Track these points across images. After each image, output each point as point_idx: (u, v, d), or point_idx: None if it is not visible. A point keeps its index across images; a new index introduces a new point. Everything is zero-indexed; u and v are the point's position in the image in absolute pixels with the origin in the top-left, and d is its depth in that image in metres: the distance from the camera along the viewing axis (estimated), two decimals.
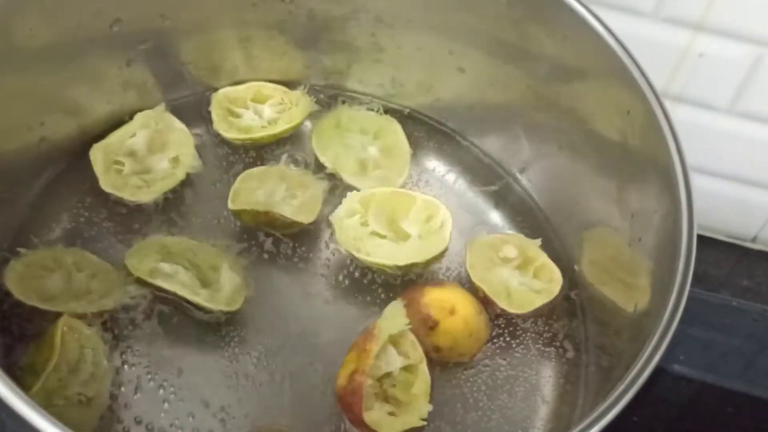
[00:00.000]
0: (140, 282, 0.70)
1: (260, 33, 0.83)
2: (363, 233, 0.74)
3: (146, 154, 0.77)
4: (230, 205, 0.74)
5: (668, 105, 0.67)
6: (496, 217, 0.82)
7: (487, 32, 0.77)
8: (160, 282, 0.69)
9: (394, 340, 0.68)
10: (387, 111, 0.85)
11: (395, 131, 0.83)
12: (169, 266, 0.71)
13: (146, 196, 0.75)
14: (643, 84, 0.67)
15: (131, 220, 0.76)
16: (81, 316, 0.66)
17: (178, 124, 0.79)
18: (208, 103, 0.83)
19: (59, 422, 0.47)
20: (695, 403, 0.83)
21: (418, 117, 0.87)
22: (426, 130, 0.87)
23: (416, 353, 0.68)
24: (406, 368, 0.67)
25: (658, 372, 0.56)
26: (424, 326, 0.70)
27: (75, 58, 0.74)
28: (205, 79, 0.84)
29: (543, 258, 0.77)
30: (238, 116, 0.82)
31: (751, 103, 0.83)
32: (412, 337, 0.68)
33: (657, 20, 0.79)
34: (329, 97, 0.86)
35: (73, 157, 0.78)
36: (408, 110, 0.87)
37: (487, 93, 0.82)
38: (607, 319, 0.74)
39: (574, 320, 0.77)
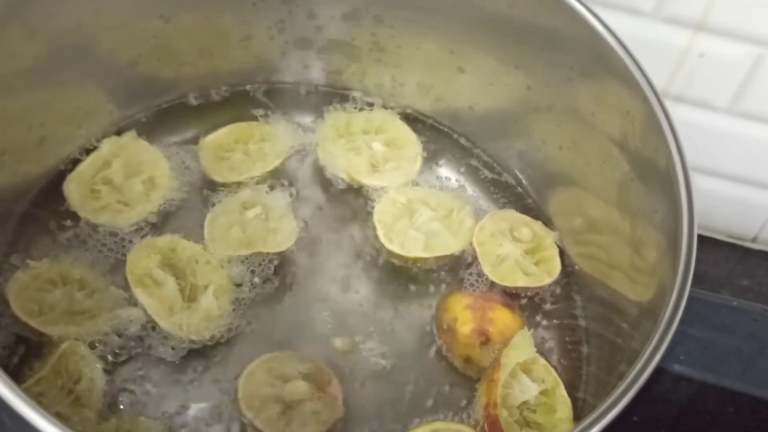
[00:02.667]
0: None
1: (260, 33, 0.83)
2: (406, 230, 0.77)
3: (123, 181, 0.76)
4: (217, 254, 0.73)
5: (668, 105, 0.67)
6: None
7: (487, 32, 0.77)
8: (139, 292, 0.69)
9: (527, 368, 0.68)
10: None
11: (397, 124, 0.83)
12: (162, 274, 0.70)
13: (124, 221, 0.74)
14: (643, 84, 0.67)
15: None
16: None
17: (151, 148, 0.78)
18: (207, 103, 0.84)
19: (59, 422, 0.47)
20: (695, 403, 0.83)
21: (418, 117, 0.87)
22: (426, 129, 0.87)
23: (551, 377, 0.68)
24: (543, 393, 0.67)
25: (658, 372, 0.56)
26: (477, 336, 0.71)
27: (74, 57, 0.74)
28: (205, 80, 0.84)
29: (553, 251, 0.77)
30: (227, 159, 0.80)
31: (751, 103, 0.83)
32: (543, 362, 0.69)
33: (657, 20, 0.79)
34: (329, 97, 0.86)
35: (72, 157, 0.78)
36: (408, 110, 0.87)
37: (487, 93, 0.82)
38: (607, 318, 0.74)
39: (575, 320, 0.77)
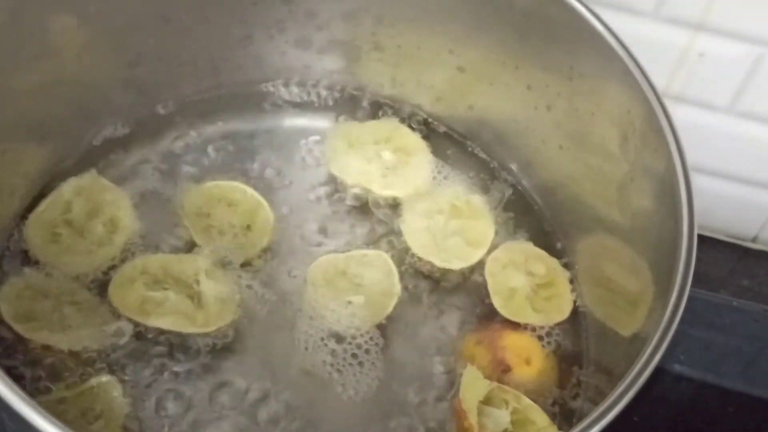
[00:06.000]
0: (130, 320, 0.68)
1: (260, 33, 0.83)
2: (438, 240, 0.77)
3: (84, 222, 0.73)
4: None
5: (668, 105, 0.67)
6: (495, 215, 0.82)
7: (487, 32, 0.77)
8: (153, 321, 0.68)
9: (487, 399, 0.66)
10: (386, 111, 0.86)
11: (404, 132, 0.83)
12: (157, 293, 0.69)
13: (87, 266, 0.71)
14: (643, 84, 0.67)
15: None
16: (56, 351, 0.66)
17: (112, 186, 0.75)
18: (209, 103, 0.84)
19: (59, 422, 0.47)
20: (695, 403, 0.83)
21: (418, 117, 0.87)
22: (426, 129, 0.86)
23: (510, 394, 0.67)
24: (513, 411, 0.66)
25: (658, 372, 0.56)
26: (497, 369, 0.70)
27: (75, 57, 0.74)
28: (205, 80, 0.84)
29: (565, 290, 0.76)
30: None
31: (751, 103, 0.83)
32: (495, 383, 0.67)
33: (657, 20, 0.79)
34: (329, 98, 0.87)
35: (71, 157, 0.78)
36: (408, 110, 0.87)
37: (487, 93, 0.82)
38: (606, 317, 0.74)
39: (574, 320, 0.77)
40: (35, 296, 0.68)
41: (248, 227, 0.76)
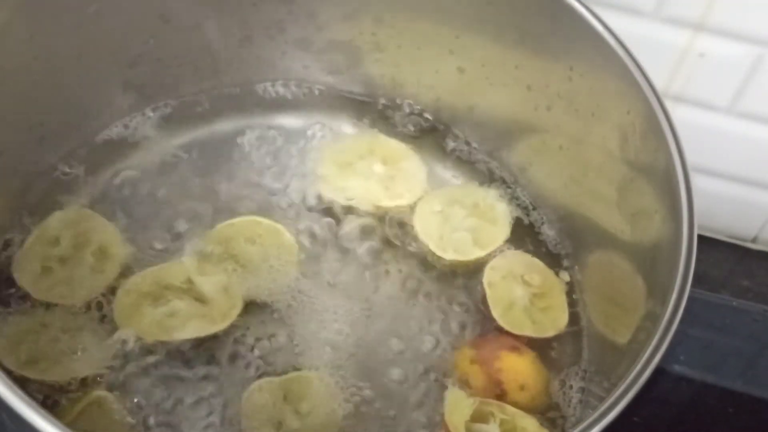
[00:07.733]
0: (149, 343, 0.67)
1: (260, 33, 0.83)
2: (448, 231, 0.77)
3: (73, 253, 0.71)
4: None
5: (668, 105, 0.67)
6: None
7: (487, 32, 0.77)
8: (179, 334, 0.67)
9: (474, 417, 0.66)
10: (387, 110, 0.86)
11: (383, 140, 0.82)
12: (166, 308, 0.69)
13: (78, 299, 0.69)
14: (643, 84, 0.67)
15: None
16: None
17: (97, 216, 0.74)
18: (209, 103, 0.84)
19: (59, 422, 0.47)
20: (695, 403, 0.83)
21: (418, 117, 0.87)
22: (426, 130, 0.87)
23: (494, 406, 0.67)
24: (501, 423, 0.66)
25: (658, 372, 0.56)
26: (491, 391, 0.69)
27: (75, 57, 0.74)
28: (205, 80, 0.85)
29: (561, 301, 0.76)
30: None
31: (751, 103, 0.83)
32: (478, 398, 0.67)
33: (657, 20, 0.79)
34: (329, 99, 0.87)
35: (71, 157, 0.78)
36: (408, 110, 0.87)
37: (487, 93, 0.82)
38: (607, 317, 0.74)
39: (573, 319, 0.77)
40: (26, 338, 0.66)
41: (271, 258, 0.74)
